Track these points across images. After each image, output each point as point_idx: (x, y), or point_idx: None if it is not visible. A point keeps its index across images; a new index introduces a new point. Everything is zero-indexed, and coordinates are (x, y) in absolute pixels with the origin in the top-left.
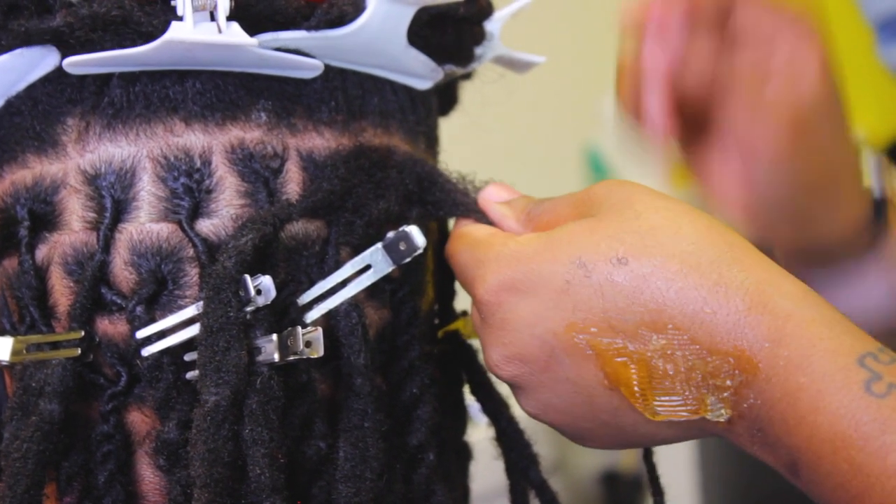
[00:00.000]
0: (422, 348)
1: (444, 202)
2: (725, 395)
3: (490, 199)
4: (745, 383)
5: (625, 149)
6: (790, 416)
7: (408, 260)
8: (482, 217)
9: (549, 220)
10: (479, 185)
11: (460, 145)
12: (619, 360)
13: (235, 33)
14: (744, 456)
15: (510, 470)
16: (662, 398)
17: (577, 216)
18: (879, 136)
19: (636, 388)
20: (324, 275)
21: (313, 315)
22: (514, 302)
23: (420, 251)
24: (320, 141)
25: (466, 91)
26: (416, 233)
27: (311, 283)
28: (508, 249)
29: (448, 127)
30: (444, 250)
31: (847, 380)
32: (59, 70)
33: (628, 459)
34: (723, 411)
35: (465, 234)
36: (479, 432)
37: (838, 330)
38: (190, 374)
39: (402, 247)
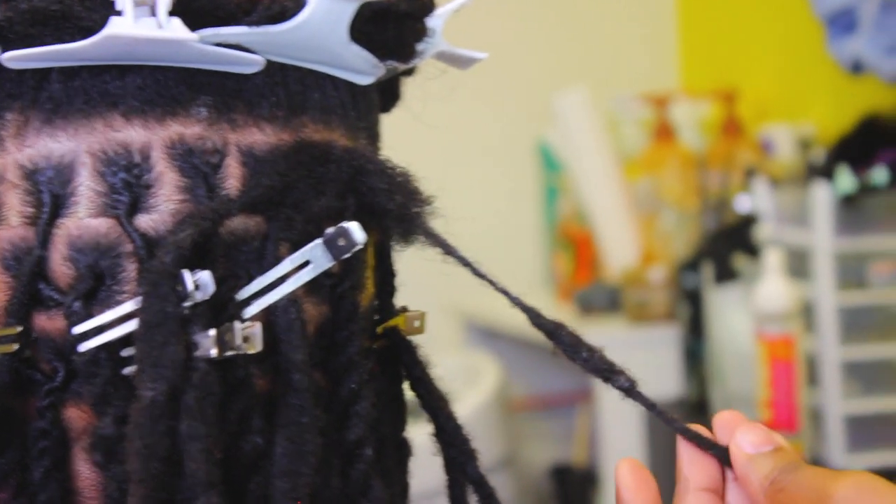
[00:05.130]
0: (361, 344)
1: (379, 192)
2: None
3: None
4: None
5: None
6: None
7: (347, 256)
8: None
9: None
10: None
11: (410, 142)
12: None
13: (176, 28)
14: None
15: (448, 466)
16: None
17: None
18: (830, 131)
19: None
20: (263, 270)
21: (252, 310)
22: None
23: (360, 247)
24: (260, 136)
25: (419, 86)
26: (355, 228)
27: (250, 279)
28: None
29: (397, 123)
30: None
31: None
32: None
33: (579, 454)
34: None
35: None
36: (425, 429)
37: None
38: (127, 370)
39: (342, 242)
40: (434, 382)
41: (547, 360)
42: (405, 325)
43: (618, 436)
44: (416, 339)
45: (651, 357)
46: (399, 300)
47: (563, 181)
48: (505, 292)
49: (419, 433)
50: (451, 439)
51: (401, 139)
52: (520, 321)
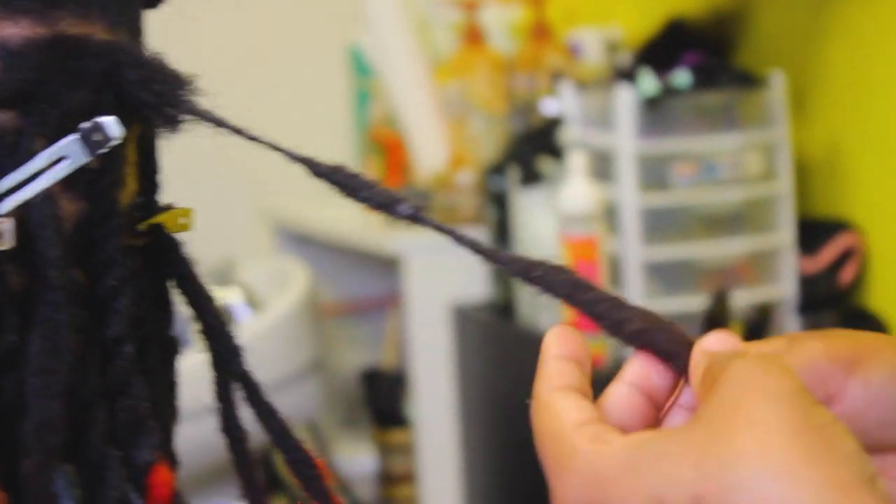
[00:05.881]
0: (121, 241)
1: (140, 85)
2: None
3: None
4: None
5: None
6: None
7: (104, 150)
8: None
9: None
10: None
11: (216, 46)
12: None
13: None
14: (498, 362)
15: (214, 364)
16: None
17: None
18: (637, 34)
19: None
20: (17, 166)
21: (5, 206)
22: None
23: (116, 141)
24: (15, 30)
25: None
26: (111, 123)
27: (4, 175)
28: (590, 466)
29: (203, 24)
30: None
31: None
32: None
33: (389, 357)
34: None
35: (553, 413)
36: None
37: None
38: None
39: (98, 137)
40: (199, 279)
41: (357, 264)
42: (171, 223)
43: (426, 338)
44: (227, 241)
45: (459, 260)
46: (209, 206)
47: (374, 85)
48: (280, 149)
49: None
50: (217, 336)
51: (208, 43)
52: (330, 226)
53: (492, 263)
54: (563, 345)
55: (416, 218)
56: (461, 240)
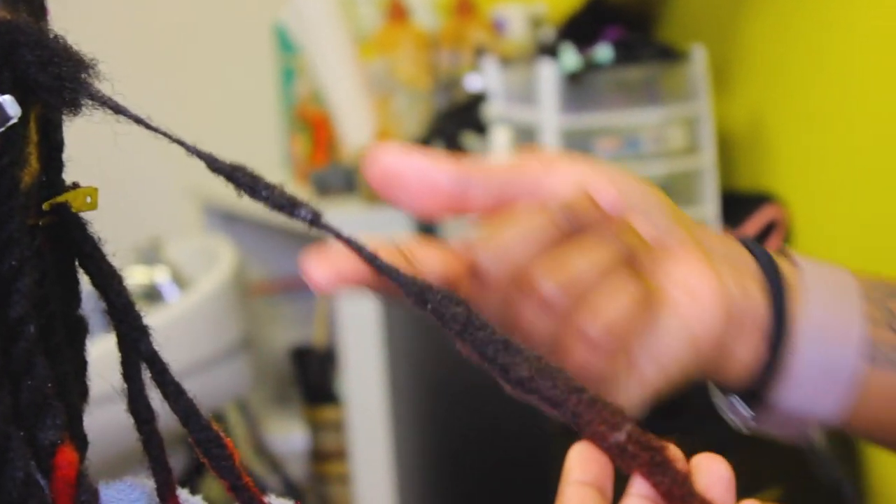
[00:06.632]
0: (23, 220)
1: (37, 67)
2: None
3: None
4: None
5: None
6: None
7: (2, 129)
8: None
9: None
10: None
11: (141, 25)
12: None
13: None
14: (427, 338)
15: (120, 343)
16: None
17: None
18: (561, 10)
19: None
20: None
21: None
22: None
23: (13, 121)
24: None
25: None
26: (8, 102)
27: None
28: None
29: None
30: None
31: None
32: None
33: (319, 335)
34: None
35: None
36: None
37: None
38: None
39: None
40: (105, 258)
41: (285, 243)
42: (76, 202)
43: (355, 315)
44: (154, 219)
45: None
46: (136, 184)
47: (300, 63)
48: (181, 142)
49: None
50: (123, 316)
51: (132, 21)
52: (259, 205)
53: (388, 279)
54: (585, 469)
55: (316, 223)
56: (359, 251)
